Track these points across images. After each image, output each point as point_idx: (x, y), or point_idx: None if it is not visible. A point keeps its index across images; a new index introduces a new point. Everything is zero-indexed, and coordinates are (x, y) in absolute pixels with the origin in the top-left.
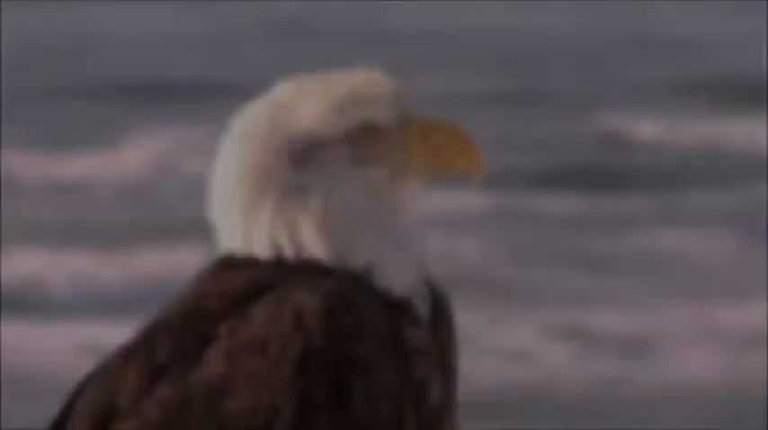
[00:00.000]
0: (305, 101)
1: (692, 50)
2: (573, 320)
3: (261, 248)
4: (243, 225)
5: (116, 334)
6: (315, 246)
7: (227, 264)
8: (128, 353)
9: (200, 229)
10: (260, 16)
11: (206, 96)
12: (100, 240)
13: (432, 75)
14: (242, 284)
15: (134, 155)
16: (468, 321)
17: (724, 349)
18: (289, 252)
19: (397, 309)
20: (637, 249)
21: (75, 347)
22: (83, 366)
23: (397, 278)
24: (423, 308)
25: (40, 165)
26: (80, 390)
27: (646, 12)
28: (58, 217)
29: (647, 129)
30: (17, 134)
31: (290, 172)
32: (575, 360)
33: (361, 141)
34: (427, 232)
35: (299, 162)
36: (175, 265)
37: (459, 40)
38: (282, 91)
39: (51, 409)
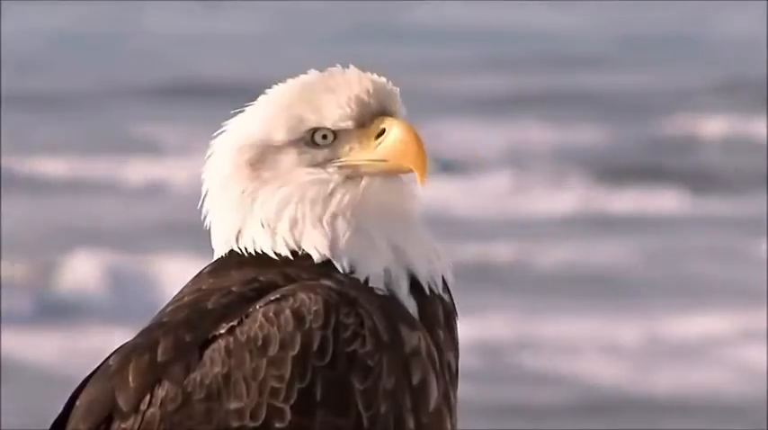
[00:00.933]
0: (263, 107)
1: (745, 51)
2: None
3: (222, 246)
4: (218, 225)
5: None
6: (263, 243)
7: (227, 263)
8: (128, 353)
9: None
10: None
11: (239, 95)
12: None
13: (471, 75)
14: (241, 284)
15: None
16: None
17: None
18: (241, 248)
19: (393, 310)
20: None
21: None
22: (85, 366)
23: (361, 269)
24: (410, 304)
25: (76, 165)
26: (81, 390)
27: (690, 12)
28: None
29: (709, 129)
30: (67, 135)
31: (247, 176)
32: None
33: (314, 144)
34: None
35: (255, 167)
36: None
37: (503, 40)
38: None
39: (51, 409)
